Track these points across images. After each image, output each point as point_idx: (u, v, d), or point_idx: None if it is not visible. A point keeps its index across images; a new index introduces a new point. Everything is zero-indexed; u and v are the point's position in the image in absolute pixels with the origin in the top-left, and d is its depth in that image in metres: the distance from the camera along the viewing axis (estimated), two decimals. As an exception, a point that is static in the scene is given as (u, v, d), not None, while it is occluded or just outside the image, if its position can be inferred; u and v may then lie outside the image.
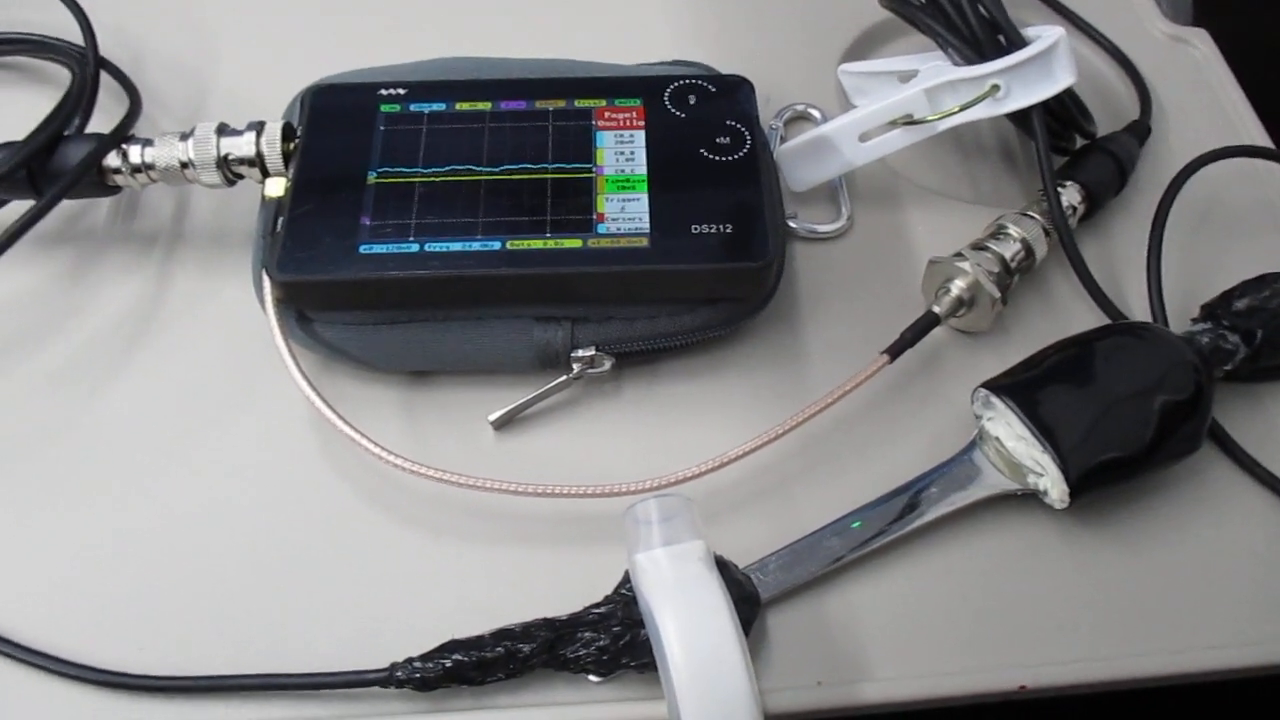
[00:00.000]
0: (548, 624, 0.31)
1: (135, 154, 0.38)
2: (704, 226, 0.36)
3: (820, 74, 0.48)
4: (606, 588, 0.32)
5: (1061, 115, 0.43)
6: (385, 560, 0.34)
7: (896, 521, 0.34)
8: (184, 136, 0.38)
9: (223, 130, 0.38)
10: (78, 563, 0.34)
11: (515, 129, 0.38)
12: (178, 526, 0.35)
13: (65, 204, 0.39)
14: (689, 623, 0.30)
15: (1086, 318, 0.40)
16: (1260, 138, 0.46)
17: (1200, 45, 0.50)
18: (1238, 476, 0.37)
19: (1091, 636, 0.33)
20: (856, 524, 0.34)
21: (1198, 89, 0.49)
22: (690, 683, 0.29)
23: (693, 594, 0.30)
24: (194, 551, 0.34)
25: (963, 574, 0.34)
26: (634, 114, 0.39)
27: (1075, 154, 0.43)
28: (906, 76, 0.43)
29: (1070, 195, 0.41)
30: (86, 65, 0.42)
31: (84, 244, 0.41)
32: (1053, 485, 0.34)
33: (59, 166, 0.38)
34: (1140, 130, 0.45)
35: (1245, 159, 0.45)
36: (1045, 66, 0.39)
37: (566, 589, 0.32)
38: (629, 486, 0.33)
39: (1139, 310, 0.40)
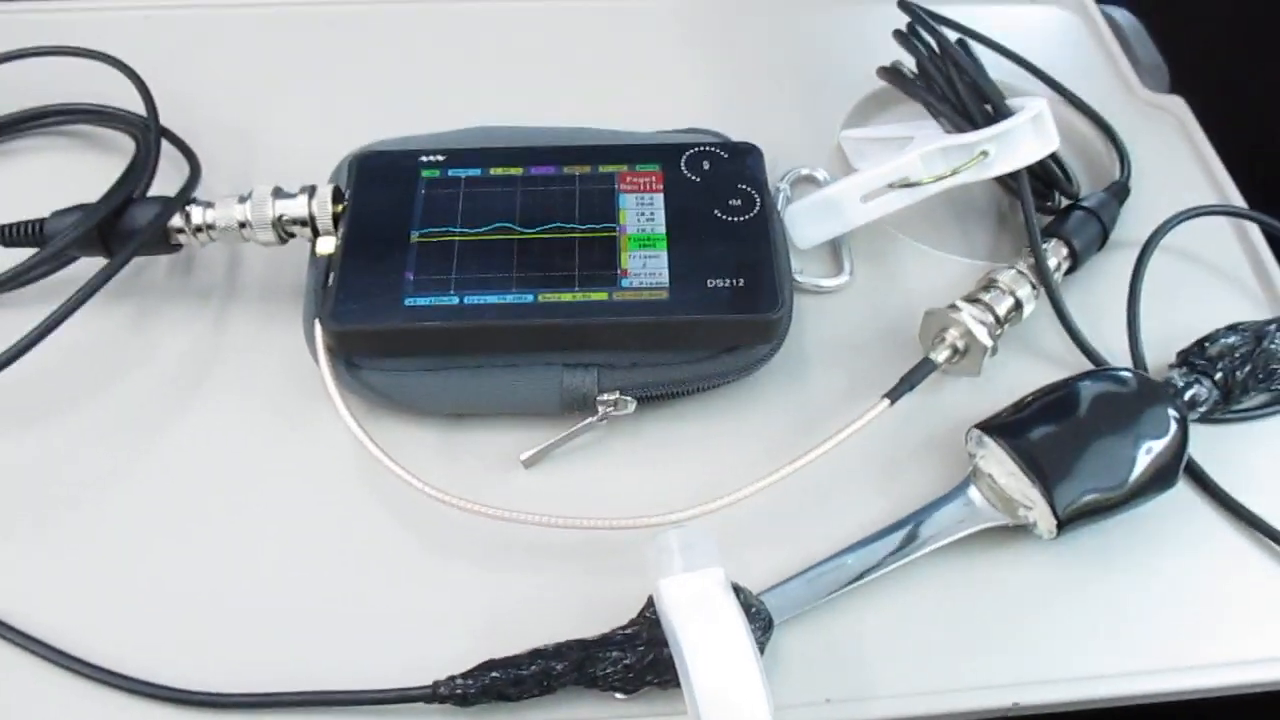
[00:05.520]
0: (578, 644, 0.34)
1: (197, 215, 0.41)
2: (719, 280, 0.39)
3: (823, 139, 0.51)
4: (631, 611, 0.35)
5: (1045, 177, 0.47)
6: (426, 586, 0.37)
7: (898, 551, 0.37)
8: (242, 199, 0.41)
9: (278, 193, 0.42)
10: (142, 590, 0.37)
11: (545, 192, 0.42)
12: (236, 556, 0.37)
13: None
14: (710, 642, 0.32)
15: (1070, 363, 0.43)
16: (1235, 197, 0.50)
17: (1176, 111, 0.54)
18: (1212, 510, 0.40)
19: (1079, 658, 0.36)
20: (860, 554, 0.37)
21: (1174, 152, 0.52)
22: (711, 698, 0.31)
23: (713, 616, 0.33)
24: (250, 579, 0.37)
25: (959, 600, 0.37)
26: (653, 178, 0.42)
27: (1060, 213, 0.46)
28: (903, 141, 0.47)
29: (1056, 251, 0.44)
30: (150, 133, 0.45)
31: (145, 298, 0.45)
32: (1041, 518, 0.37)
33: (128, 227, 0.41)
34: (1120, 190, 0.48)
35: (1219, 217, 0.48)
36: (1030, 134, 0.43)
37: (594, 613, 0.35)
38: (651, 519, 0.36)
39: (1119, 357, 0.43)
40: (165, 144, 0.47)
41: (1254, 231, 0.48)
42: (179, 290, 0.45)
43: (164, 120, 0.47)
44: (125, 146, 0.47)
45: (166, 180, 0.44)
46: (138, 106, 0.47)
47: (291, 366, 0.42)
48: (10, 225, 0.42)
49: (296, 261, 0.43)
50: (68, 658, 0.35)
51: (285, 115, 0.52)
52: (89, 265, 0.40)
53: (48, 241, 0.41)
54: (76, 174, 0.44)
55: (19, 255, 0.41)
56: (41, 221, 0.41)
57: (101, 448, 0.40)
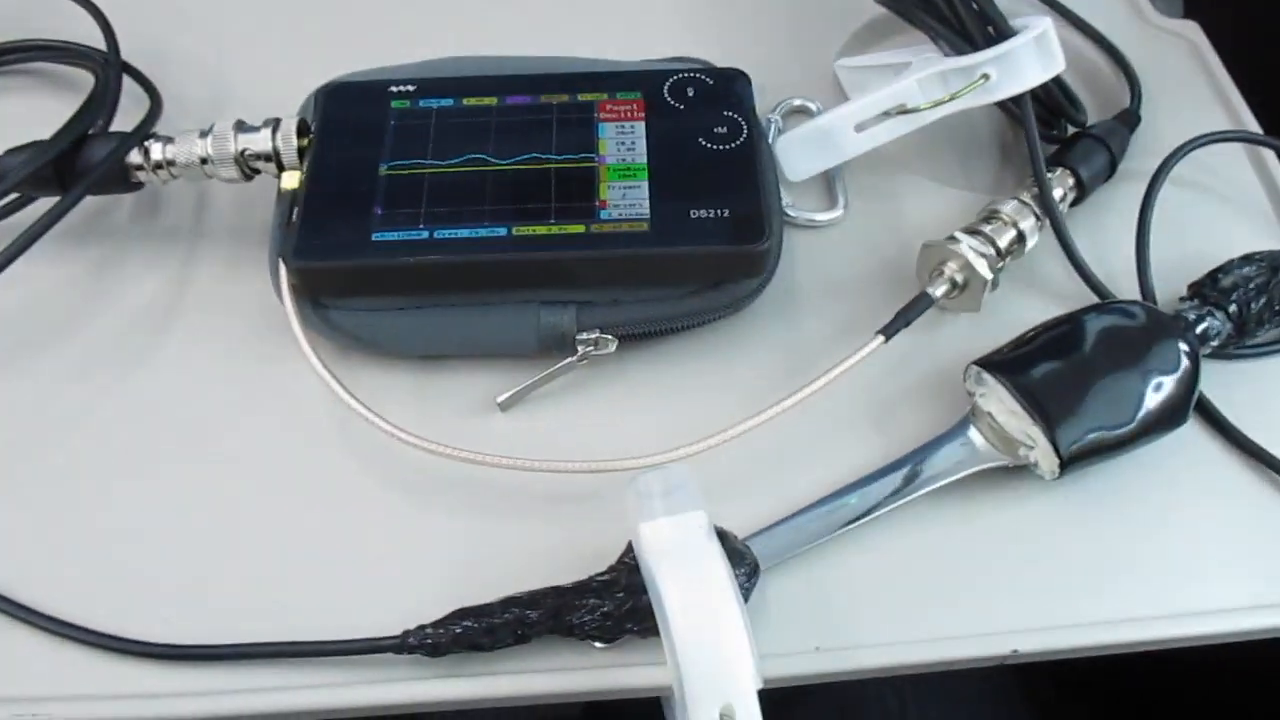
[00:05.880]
0: (554, 591, 0.33)
1: (157, 151, 0.40)
2: (702, 211, 0.37)
3: (817, 69, 0.49)
4: (610, 558, 0.33)
5: (1051, 104, 0.44)
6: (397, 534, 0.36)
7: (892, 494, 0.35)
8: (203, 133, 0.40)
9: (240, 127, 0.40)
10: (105, 541, 0.35)
11: (521, 122, 0.40)
12: (200, 505, 0.36)
13: (89, 202, 0.41)
14: (690, 589, 0.31)
15: (1076, 298, 0.41)
16: (1251, 125, 0.47)
17: (1190, 36, 0.51)
18: (1224, 448, 0.38)
19: (1082, 604, 0.34)
20: (853, 497, 0.35)
21: (1187, 79, 0.50)
22: (690, 647, 0.30)
23: (694, 561, 0.31)
24: (216, 528, 0.36)
25: (956, 543, 0.35)
26: (634, 106, 0.40)
27: (1066, 141, 0.44)
28: (901, 69, 0.45)
29: (1061, 181, 0.42)
30: (109, 68, 0.44)
31: (108, 240, 0.43)
32: (1043, 458, 0.35)
33: (84, 164, 0.39)
34: (1130, 119, 0.46)
35: (1234, 144, 0.46)
36: (1033, 55, 0.41)
37: (572, 559, 0.34)
38: (631, 462, 0.35)
39: (1128, 291, 0.41)
40: (127, 80, 0.45)
41: (1270, 158, 0.46)
42: (144, 233, 0.43)
43: (126, 55, 0.45)
44: (86, 84, 0.45)
45: (129, 119, 0.42)
46: (98, 43, 0.45)
47: (261, 309, 0.40)
48: (-38, 165, 0.40)
49: (265, 200, 0.41)
50: (24, 610, 0.33)
51: (253, 49, 0.50)
52: (47, 207, 0.39)
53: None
54: (35, 114, 0.42)
55: (-28, 196, 0.39)
56: (-6, 160, 0.40)
57: (67, 393, 0.39)
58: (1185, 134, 0.44)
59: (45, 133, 0.40)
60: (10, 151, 0.39)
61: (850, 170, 0.45)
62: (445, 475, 0.36)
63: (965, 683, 0.55)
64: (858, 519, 0.35)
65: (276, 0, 0.52)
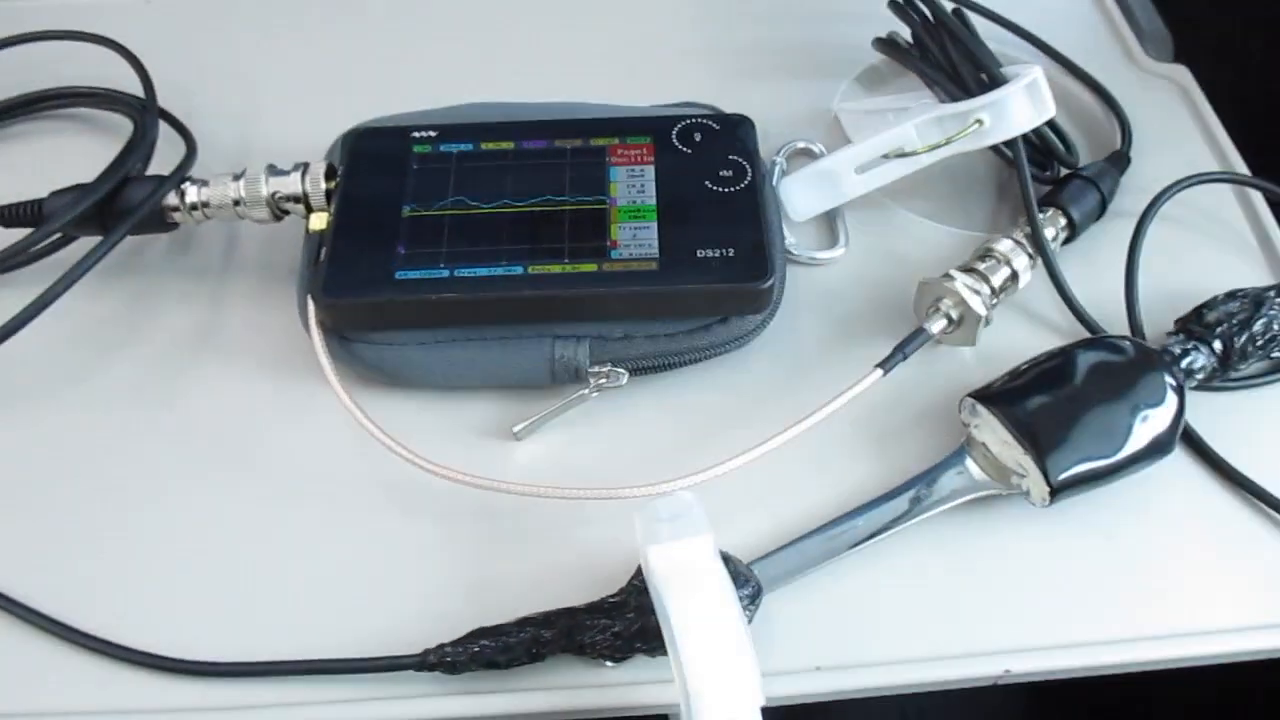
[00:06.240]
0: (567, 612, 0.34)
1: (192, 193, 0.42)
2: (709, 250, 0.39)
3: (819, 113, 0.51)
4: (620, 580, 0.35)
5: (1044, 146, 0.46)
6: (417, 557, 0.37)
7: (891, 521, 0.37)
8: (236, 177, 0.42)
9: (271, 171, 0.42)
10: (135, 561, 0.37)
11: (536, 166, 0.42)
12: (228, 527, 0.38)
13: (126, 240, 0.42)
14: (696, 610, 0.32)
15: (1067, 333, 0.43)
16: (1239, 167, 0.49)
17: (1180, 81, 0.53)
18: (1210, 477, 0.39)
19: (1072, 626, 0.36)
20: (853, 523, 0.37)
21: (1177, 121, 0.51)
22: (697, 666, 0.31)
23: (700, 584, 0.33)
24: (242, 549, 0.37)
25: (951, 567, 0.37)
26: (644, 150, 0.42)
27: (1059, 182, 0.46)
28: (899, 113, 0.46)
29: (1053, 220, 0.44)
30: (147, 113, 0.46)
31: (143, 276, 0.45)
32: (1034, 486, 0.37)
33: (124, 205, 0.41)
34: (1120, 160, 0.48)
35: (1222, 185, 0.47)
36: (1024, 102, 0.42)
37: (583, 582, 0.35)
38: (640, 489, 0.36)
39: (1118, 327, 0.43)
40: (163, 126, 0.47)
41: (1257, 198, 0.48)
42: (176, 269, 0.45)
43: (161, 102, 0.47)
44: (123, 129, 0.48)
45: (164, 162, 0.44)
46: (135, 90, 0.48)
47: (287, 344, 0.42)
48: (9, 206, 0.42)
49: (293, 240, 0.44)
50: (61, 627, 0.35)
51: (281, 96, 0.52)
52: (88, 246, 0.41)
53: (45, 221, 0.41)
54: (75, 157, 0.44)
55: (18, 236, 0.41)
56: (40, 201, 0.42)
57: (98, 425, 0.41)
58: (1174, 174, 0.46)
59: (83, 174, 0.42)
60: (56, 193, 0.42)
61: (850, 209, 0.47)
62: (463, 501, 0.38)
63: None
64: (857, 544, 0.36)
65: (299, 49, 0.55)
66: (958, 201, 0.49)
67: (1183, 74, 0.54)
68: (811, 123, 0.51)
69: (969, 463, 0.38)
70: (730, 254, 0.39)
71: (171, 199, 0.42)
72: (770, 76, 0.53)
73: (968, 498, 0.38)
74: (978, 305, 0.41)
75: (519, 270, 0.39)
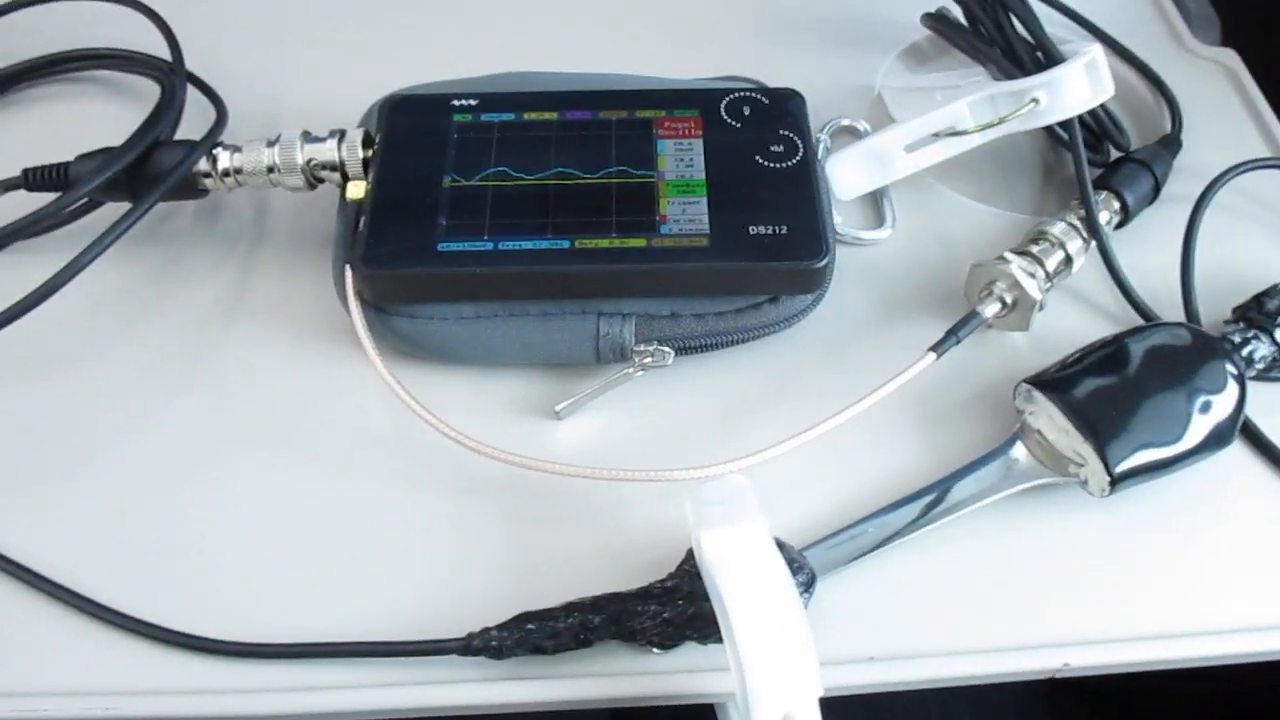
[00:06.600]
0: (615, 597, 0.33)
1: (224, 159, 0.41)
2: (761, 228, 0.38)
3: (863, 90, 0.50)
4: (668, 565, 0.34)
5: (1097, 129, 0.45)
6: (460, 538, 0.36)
7: (944, 509, 0.36)
8: (270, 143, 0.41)
9: (306, 137, 0.41)
10: (171, 539, 0.36)
11: (580, 137, 0.41)
12: (265, 507, 0.37)
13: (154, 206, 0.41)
14: (755, 596, 0.31)
15: (1121, 319, 0.42)
16: (1289, 150, 0.48)
17: (1228, 64, 0.52)
18: (1268, 470, 0.38)
19: (1132, 619, 0.35)
20: (907, 510, 0.36)
21: (1226, 105, 0.50)
22: (755, 653, 0.30)
23: (757, 570, 0.32)
24: (280, 529, 0.36)
25: (1008, 557, 0.36)
26: (692, 124, 0.41)
27: (1110, 165, 0.45)
28: (946, 91, 0.45)
29: (1106, 204, 0.43)
30: (175, 77, 0.44)
31: (170, 245, 0.44)
32: (1093, 476, 0.36)
33: (153, 171, 0.40)
34: (1172, 144, 0.47)
35: (1275, 171, 0.46)
36: (1083, 81, 0.41)
37: (627, 566, 0.34)
38: (688, 472, 0.35)
39: (1172, 313, 0.42)
40: (191, 90, 0.46)
41: (1310, 185, 0.47)
42: (205, 237, 0.44)
43: (190, 66, 0.46)
44: (150, 92, 0.46)
45: (193, 127, 0.43)
46: (162, 52, 0.46)
47: (322, 315, 0.41)
48: (35, 169, 0.41)
49: (324, 208, 0.42)
50: (100, 607, 0.34)
51: (313, 61, 0.51)
52: (114, 211, 0.40)
53: (72, 185, 0.40)
54: (100, 120, 0.43)
55: (44, 200, 0.40)
56: (66, 165, 0.41)
57: (127, 395, 0.39)
58: (1224, 159, 0.45)
59: (109, 138, 0.41)
60: (82, 157, 0.40)
61: (895, 189, 0.46)
62: (506, 481, 0.37)
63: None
64: (911, 531, 0.36)
65: (329, 14, 0.53)
66: (1003, 182, 0.48)
67: (1231, 57, 0.53)
68: (855, 100, 0.50)
69: (1023, 450, 0.37)
70: (784, 231, 0.38)
71: (203, 165, 0.41)
72: (811, 52, 0.52)
73: (1023, 486, 0.37)
74: (1033, 289, 0.40)
75: (565, 244, 0.37)
